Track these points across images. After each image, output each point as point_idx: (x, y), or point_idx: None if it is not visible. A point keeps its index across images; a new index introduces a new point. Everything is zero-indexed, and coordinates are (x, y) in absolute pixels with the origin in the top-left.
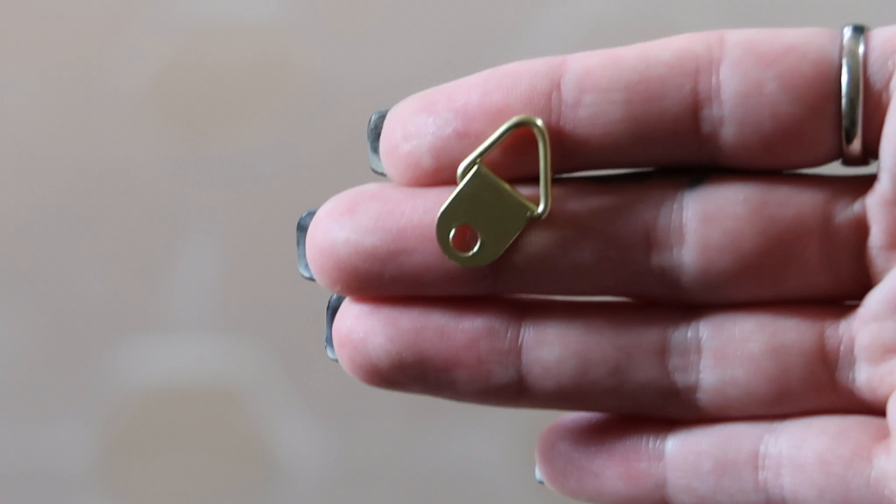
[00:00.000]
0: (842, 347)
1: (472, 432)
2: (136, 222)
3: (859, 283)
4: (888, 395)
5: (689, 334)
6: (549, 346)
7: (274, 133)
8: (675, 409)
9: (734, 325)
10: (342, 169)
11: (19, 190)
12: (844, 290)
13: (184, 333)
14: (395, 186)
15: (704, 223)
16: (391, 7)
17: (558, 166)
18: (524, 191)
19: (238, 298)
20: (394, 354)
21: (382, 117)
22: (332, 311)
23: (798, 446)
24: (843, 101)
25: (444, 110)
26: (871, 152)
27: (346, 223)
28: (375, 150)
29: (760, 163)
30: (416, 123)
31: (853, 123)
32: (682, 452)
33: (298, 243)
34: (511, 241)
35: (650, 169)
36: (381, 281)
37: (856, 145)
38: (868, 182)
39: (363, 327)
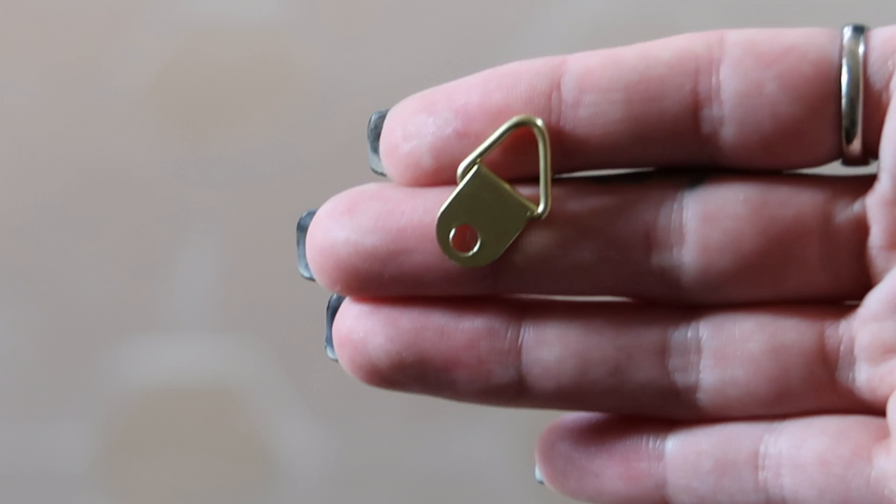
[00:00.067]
0: (842, 347)
1: (472, 432)
2: (136, 222)
3: (859, 283)
4: (888, 395)
5: (689, 334)
6: (549, 346)
7: (274, 133)
8: (675, 409)
9: (734, 325)
10: (342, 169)
11: (19, 190)
12: (844, 290)
13: (184, 333)
14: (395, 186)
15: (704, 223)
16: (391, 7)
17: (558, 166)
18: (524, 191)
19: (238, 298)
20: (394, 354)
21: (382, 117)
22: (332, 311)
23: (798, 446)
24: (843, 101)
25: (444, 110)
26: (871, 152)
27: (346, 223)
28: (375, 150)
29: (760, 163)
30: (416, 123)
31: (853, 123)
32: (682, 452)
33: (298, 243)
34: (511, 241)
35: (650, 169)
36: (381, 281)
37: (856, 145)
38: (868, 182)
39: (363, 327)
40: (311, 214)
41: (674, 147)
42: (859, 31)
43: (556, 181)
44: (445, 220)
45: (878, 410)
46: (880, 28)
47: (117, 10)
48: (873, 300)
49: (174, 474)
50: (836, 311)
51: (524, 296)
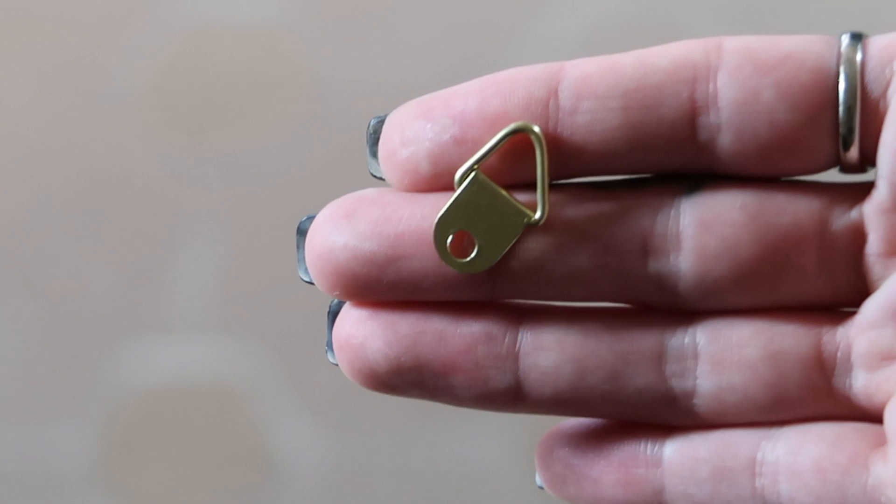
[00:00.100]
0: (839, 354)
1: (472, 433)
2: (137, 222)
3: (856, 290)
4: (885, 402)
5: (686, 340)
6: (546, 352)
7: (274, 133)
8: (672, 415)
9: (731, 331)
10: (342, 169)
11: (19, 190)
12: (841, 297)
13: (184, 334)
14: (394, 192)
15: (701, 230)
16: (391, 8)
17: (555, 173)
18: (521, 197)
19: (238, 299)
20: (392, 359)
21: (381, 122)
22: (333, 315)
23: (795, 453)
24: (841, 108)
25: (442, 116)
26: (868, 160)
27: (345, 228)
28: (374, 154)
29: (757, 170)
30: (414, 129)
31: (850, 131)
32: (679, 459)
33: (298, 247)
34: (508, 247)
35: (647, 175)
36: (379, 286)
37: (853, 153)
38: (865, 189)
39: (362, 332)
40: (311, 218)
41: (671, 154)
42: (857, 38)
43: (553, 187)
44: (443, 226)
45: (874, 417)
46: (878, 36)
47: (118, 10)
48: (870, 307)
49: (174, 475)
50: (833, 317)
51: (522, 301)
